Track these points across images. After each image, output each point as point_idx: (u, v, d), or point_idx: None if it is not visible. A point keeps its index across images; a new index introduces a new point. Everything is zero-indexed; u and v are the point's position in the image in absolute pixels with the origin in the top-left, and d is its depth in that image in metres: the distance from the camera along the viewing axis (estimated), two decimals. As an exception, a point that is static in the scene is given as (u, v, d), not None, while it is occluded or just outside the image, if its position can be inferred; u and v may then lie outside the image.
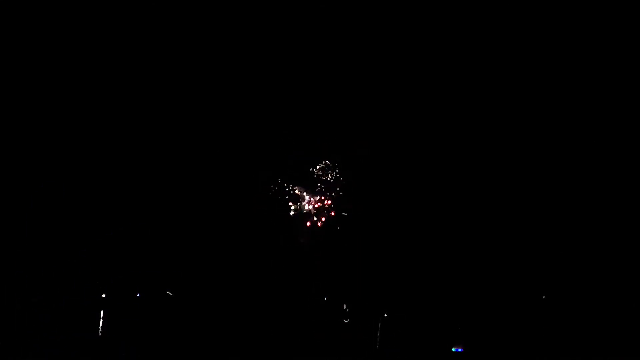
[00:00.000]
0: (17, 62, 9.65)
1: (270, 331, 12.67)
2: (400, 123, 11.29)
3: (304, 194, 12.39)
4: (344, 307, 13.42)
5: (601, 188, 10.34)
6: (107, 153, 11.40)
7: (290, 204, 13.72)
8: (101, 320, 12.63)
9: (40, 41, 9.78)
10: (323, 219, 13.91)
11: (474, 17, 10.30)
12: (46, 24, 9.89)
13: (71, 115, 10.95)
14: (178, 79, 11.98)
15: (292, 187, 12.63)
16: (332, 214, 13.67)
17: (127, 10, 9.81)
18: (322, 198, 12.60)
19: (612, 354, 9.54)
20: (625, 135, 10.03)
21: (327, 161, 13.14)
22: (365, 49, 11.34)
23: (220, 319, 14.18)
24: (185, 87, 11.95)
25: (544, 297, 11.74)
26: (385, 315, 11.14)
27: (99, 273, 14.09)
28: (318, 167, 12.58)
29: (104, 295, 14.25)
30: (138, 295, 15.06)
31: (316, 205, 12.35)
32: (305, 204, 12.44)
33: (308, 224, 15.25)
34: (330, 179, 12.19)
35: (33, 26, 9.66)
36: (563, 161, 10.50)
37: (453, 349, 13.89)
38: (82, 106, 11.51)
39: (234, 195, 12.18)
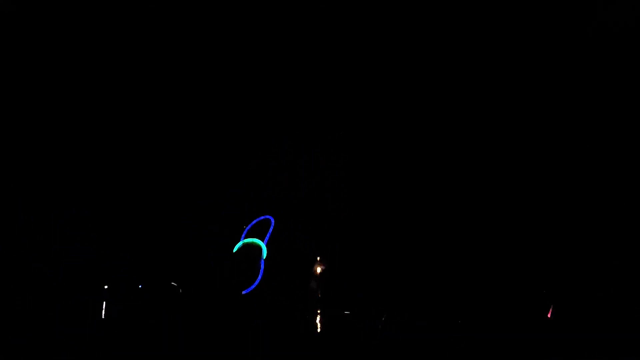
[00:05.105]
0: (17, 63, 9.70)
1: (272, 325, 12.71)
2: (398, 123, 11.28)
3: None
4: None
5: (601, 188, 10.37)
6: (108, 150, 11.42)
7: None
8: (103, 312, 12.73)
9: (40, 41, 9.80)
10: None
11: (472, 18, 10.26)
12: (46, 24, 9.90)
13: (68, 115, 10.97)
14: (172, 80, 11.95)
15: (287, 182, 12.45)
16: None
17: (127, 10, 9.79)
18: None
19: (611, 351, 9.64)
20: (625, 136, 10.04)
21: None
22: (361, 49, 11.32)
23: (225, 312, 14.19)
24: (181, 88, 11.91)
25: (544, 291, 11.84)
26: (385, 309, 11.25)
27: (100, 265, 14.14)
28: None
29: (106, 287, 14.30)
30: (140, 286, 15.05)
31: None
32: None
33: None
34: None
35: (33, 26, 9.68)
36: (563, 162, 10.51)
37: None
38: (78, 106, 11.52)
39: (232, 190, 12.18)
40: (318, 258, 11.17)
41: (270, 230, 9.94)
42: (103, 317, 10.74)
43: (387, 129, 11.54)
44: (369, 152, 11.60)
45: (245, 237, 10.25)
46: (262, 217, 10.63)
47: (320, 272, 10.88)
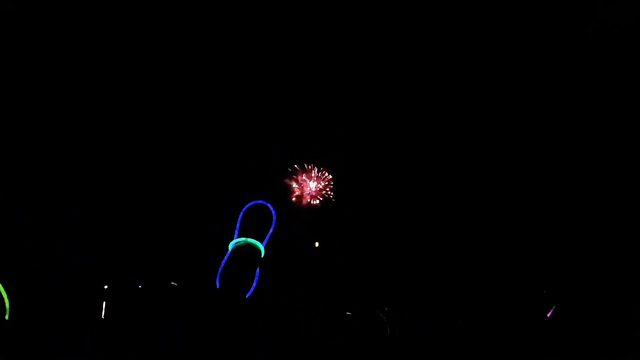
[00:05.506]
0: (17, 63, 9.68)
1: (273, 323, 12.61)
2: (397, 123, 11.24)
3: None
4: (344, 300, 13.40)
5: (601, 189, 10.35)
6: (109, 149, 11.37)
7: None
8: (103, 311, 12.64)
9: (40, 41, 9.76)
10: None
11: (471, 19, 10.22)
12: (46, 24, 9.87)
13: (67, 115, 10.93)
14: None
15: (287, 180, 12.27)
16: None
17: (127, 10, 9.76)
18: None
19: (611, 351, 9.63)
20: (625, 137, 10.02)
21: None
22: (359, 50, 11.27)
23: (225, 312, 14.07)
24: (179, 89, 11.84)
25: (544, 291, 11.81)
26: (386, 308, 11.23)
27: (100, 264, 14.04)
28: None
29: (105, 287, 14.18)
30: (140, 286, 14.88)
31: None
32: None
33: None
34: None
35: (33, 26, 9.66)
36: (563, 162, 10.50)
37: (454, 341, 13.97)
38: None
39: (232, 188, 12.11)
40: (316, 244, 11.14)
41: (272, 228, 9.83)
42: (103, 317, 10.71)
43: (387, 129, 11.51)
44: (369, 152, 11.57)
45: (240, 227, 10.08)
46: (260, 202, 10.29)
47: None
